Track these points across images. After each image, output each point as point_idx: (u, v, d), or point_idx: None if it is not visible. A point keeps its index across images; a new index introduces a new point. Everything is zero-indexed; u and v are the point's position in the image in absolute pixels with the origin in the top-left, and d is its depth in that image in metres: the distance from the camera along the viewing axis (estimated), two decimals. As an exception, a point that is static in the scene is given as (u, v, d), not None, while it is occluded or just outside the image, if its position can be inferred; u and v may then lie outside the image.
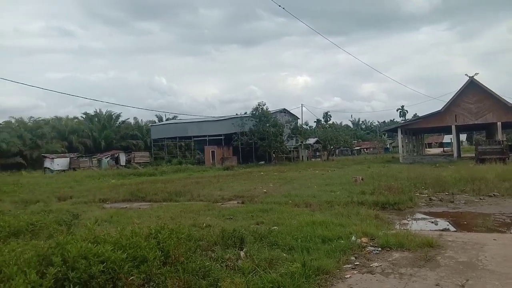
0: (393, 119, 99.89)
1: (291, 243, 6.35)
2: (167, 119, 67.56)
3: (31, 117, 59.14)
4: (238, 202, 12.77)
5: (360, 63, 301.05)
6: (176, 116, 67.29)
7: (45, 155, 47.20)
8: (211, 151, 46.79)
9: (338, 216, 8.92)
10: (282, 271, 4.67)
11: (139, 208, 12.44)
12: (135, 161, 49.79)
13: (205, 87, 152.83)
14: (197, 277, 4.39)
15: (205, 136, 49.70)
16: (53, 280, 3.70)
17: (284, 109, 53.73)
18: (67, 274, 3.83)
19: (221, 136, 48.36)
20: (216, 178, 23.89)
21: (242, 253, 5.72)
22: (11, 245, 5.21)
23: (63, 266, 3.89)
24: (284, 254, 5.67)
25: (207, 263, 4.78)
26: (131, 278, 3.94)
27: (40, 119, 59.87)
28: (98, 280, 3.80)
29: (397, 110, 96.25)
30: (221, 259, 5.38)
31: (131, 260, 4.21)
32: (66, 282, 3.77)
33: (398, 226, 8.52)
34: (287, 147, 49.30)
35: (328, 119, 61.84)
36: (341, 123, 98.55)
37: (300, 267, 4.68)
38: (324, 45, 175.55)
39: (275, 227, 7.64)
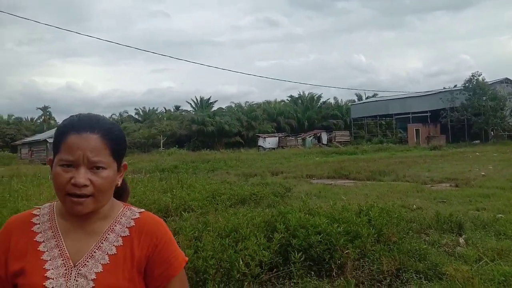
0: None
1: (524, 234, 5.43)
2: (366, 97, 66.40)
3: (247, 101, 68.06)
4: (450, 185, 11.63)
5: None
6: (376, 94, 65.43)
7: (258, 134, 53.29)
8: (415, 129, 43.72)
9: None
10: (516, 264, 4.05)
11: (344, 185, 12.73)
12: (336, 140, 50.96)
13: (407, 61, 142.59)
14: (413, 259, 4.22)
15: (407, 113, 46.69)
16: (278, 245, 4.18)
17: (506, 78, 45.45)
18: (290, 241, 4.25)
19: (426, 112, 44.55)
20: (422, 158, 22.28)
21: (461, 240, 5.22)
22: (241, 211, 6.13)
23: (286, 233, 4.34)
24: (516, 246, 4.89)
25: (423, 246, 4.54)
26: (347, 251, 4.09)
27: (253, 103, 68.02)
28: (317, 249, 4.09)
29: None
30: (437, 243, 5.03)
31: (345, 234, 4.36)
32: (289, 247, 4.19)
33: None
34: (510, 124, 41.85)
35: None
36: None
37: (541, 263, 3.96)
38: None
39: (501, 215, 6.66)
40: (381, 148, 35.66)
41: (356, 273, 4.00)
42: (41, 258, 1.07)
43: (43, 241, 1.10)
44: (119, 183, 1.17)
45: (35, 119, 74.58)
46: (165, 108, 77.00)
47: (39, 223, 1.13)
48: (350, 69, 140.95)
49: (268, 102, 70.11)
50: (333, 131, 55.14)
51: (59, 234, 1.11)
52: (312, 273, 3.96)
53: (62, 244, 1.10)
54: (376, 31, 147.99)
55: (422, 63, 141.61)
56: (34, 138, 51.52)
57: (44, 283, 1.03)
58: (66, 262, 1.07)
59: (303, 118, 61.81)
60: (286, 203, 7.49)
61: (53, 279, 1.04)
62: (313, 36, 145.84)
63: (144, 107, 72.93)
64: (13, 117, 71.37)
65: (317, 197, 9.54)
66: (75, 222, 1.12)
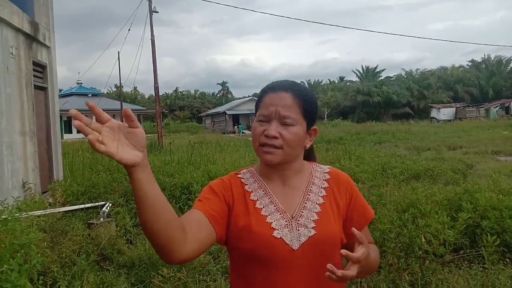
0: None
1: None
2: None
3: (418, 69, 62.66)
4: None
5: None
6: None
7: (431, 105, 48.84)
8: None
9: None
10: None
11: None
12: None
13: None
14: None
15: None
16: (464, 225, 3.82)
17: None
18: (478, 222, 3.86)
19: None
20: None
21: None
22: (418, 186, 5.78)
23: (473, 214, 3.94)
24: None
25: None
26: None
27: (426, 70, 62.28)
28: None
29: None
30: None
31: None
32: (478, 229, 3.81)
33: None
34: None
35: None
36: None
37: None
38: None
39: None
40: None
41: None
42: (261, 214, 1.21)
43: (257, 199, 1.24)
44: (308, 145, 1.25)
45: (215, 93, 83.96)
46: (329, 80, 77.16)
47: (247, 184, 1.28)
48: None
49: (444, 69, 63.16)
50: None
51: (270, 192, 1.25)
52: (507, 260, 3.52)
53: (275, 200, 1.23)
54: None
55: None
56: (215, 110, 58.21)
57: (272, 234, 1.16)
58: (283, 215, 1.20)
59: (487, 85, 53.88)
60: (470, 181, 6.75)
61: (278, 229, 1.17)
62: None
63: (309, 80, 74.51)
64: (198, 92, 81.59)
65: (508, 176, 8.32)
66: (277, 180, 1.25)
